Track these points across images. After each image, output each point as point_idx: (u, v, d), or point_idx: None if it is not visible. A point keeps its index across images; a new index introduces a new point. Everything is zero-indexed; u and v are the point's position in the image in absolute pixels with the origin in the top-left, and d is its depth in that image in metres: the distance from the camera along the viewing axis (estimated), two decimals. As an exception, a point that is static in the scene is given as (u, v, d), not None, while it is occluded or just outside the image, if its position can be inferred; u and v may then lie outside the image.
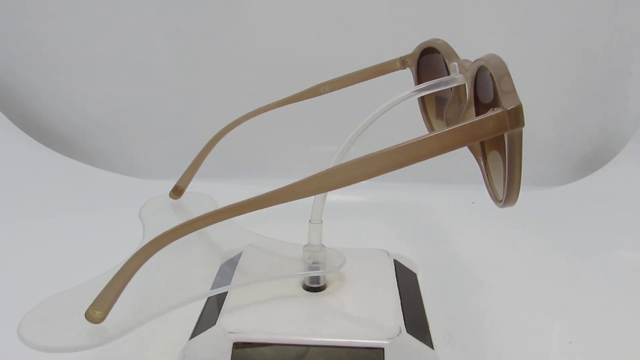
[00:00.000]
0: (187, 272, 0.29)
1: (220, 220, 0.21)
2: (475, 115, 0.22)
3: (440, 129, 0.20)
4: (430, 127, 0.30)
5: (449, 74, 0.24)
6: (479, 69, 0.21)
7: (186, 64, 0.52)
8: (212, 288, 0.28)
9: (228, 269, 0.29)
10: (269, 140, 0.54)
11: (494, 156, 0.22)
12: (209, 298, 0.28)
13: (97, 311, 0.21)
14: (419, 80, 0.30)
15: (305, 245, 0.26)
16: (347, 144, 0.25)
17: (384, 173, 0.18)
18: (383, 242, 0.41)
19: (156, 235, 0.24)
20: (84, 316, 0.21)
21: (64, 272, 0.35)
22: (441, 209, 0.47)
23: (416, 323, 0.25)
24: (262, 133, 0.54)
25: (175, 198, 0.37)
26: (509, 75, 0.19)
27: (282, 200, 0.20)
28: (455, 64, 0.23)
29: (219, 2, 0.49)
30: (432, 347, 0.24)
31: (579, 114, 0.52)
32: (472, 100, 0.22)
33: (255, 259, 0.29)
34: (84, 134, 0.56)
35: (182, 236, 0.22)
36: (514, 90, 0.18)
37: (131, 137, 0.55)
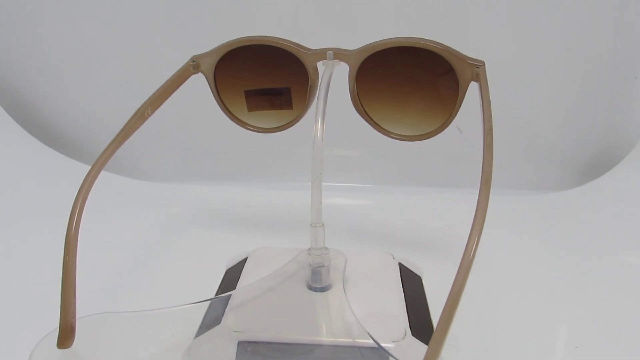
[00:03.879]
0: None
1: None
2: (357, 91, 0.28)
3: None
4: (240, 121, 0.32)
5: (304, 65, 0.28)
6: (373, 53, 0.26)
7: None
8: (218, 293, 0.28)
9: (233, 273, 0.30)
10: (274, 142, 0.54)
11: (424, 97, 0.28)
12: (213, 298, 0.28)
13: None
14: (215, 82, 0.31)
15: (309, 249, 0.26)
16: (318, 147, 0.27)
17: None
18: (388, 245, 0.41)
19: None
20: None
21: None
22: (446, 212, 0.47)
23: (421, 326, 0.25)
24: (266, 135, 0.54)
25: (67, 346, 0.24)
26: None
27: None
28: (331, 52, 0.27)
29: (225, 7, 0.50)
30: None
31: (584, 118, 0.52)
32: (355, 79, 0.27)
33: (260, 264, 0.29)
34: (90, 137, 0.56)
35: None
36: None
37: (137, 140, 0.55)
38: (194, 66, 0.31)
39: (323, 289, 0.26)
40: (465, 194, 0.51)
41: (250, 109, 0.31)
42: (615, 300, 0.33)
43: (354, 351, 0.22)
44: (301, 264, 0.27)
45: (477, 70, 0.25)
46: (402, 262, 0.31)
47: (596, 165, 0.54)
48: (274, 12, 0.50)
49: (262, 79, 0.30)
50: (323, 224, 0.26)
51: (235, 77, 0.30)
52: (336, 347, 0.22)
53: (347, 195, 0.51)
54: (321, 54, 0.27)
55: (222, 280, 0.30)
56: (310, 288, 0.26)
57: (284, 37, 0.28)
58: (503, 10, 0.48)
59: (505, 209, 0.48)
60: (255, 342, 0.23)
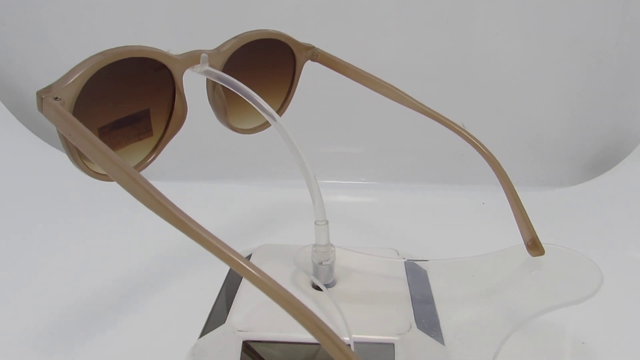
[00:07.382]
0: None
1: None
2: (214, 90, 0.28)
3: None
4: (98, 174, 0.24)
5: (171, 75, 0.25)
6: (244, 45, 0.27)
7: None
8: (222, 290, 0.28)
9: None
10: (277, 140, 0.54)
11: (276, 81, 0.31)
12: (217, 296, 0.28)
13: None
14: (77, 112, 0.21)
15: (314, 245, 0.26)
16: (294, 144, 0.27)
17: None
18: (393, 241, 0.41)
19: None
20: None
21: (75, 273, 0.36)
22: (451, 209, 0.47)
23: (427, 319, 0.25)
24: (271, 134, 0.54)
25: None
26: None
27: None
28: (206, 55, 0.26)
29: (228, 8, 0.50)
30: (442, 343, 0.23)
31: (590, 114, 0.52)
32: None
33: (264, 261, 0.29)
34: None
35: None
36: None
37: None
38: (54, 98, 0.21)
39: (328, 286, 0.26)
40: (469, 190, 0.51)
41: (123, 143, 0.25)
42: (621, 295, 0.33)
43: (360, 347, 0.22)
44: (306, 261, 0.27)
45: (315, 51, 0.29)
46: (407, 258, 0.31)
47: (602, 161, 0.53)
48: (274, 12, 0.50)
49: (118, 107, 0.24)
50: (327, 221, 0.26)
51: (94, 114, 0.22)
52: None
53: (352, 192, 0.50)
54: (193, 57, 0.25)
55: (226, 278, 0.30)
56: (315, 285, 0.26)
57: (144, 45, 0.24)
58: (508, 7, 0.48)
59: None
60: (260, 342, 0.22)
